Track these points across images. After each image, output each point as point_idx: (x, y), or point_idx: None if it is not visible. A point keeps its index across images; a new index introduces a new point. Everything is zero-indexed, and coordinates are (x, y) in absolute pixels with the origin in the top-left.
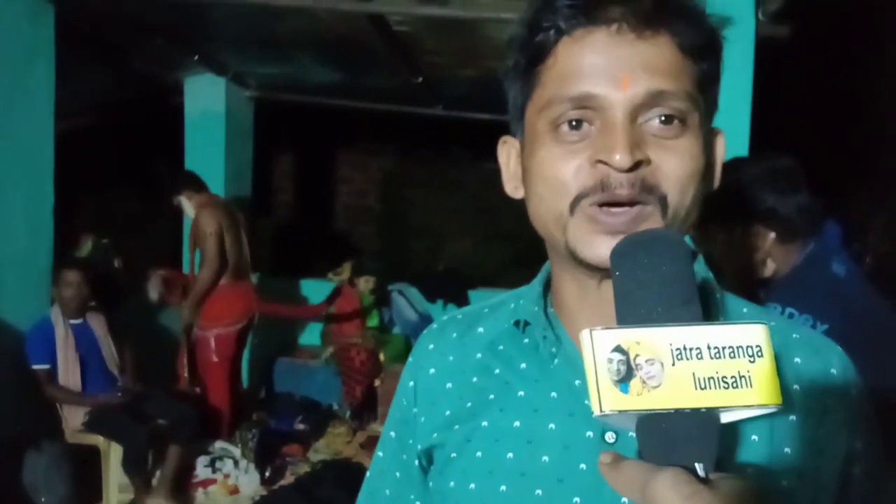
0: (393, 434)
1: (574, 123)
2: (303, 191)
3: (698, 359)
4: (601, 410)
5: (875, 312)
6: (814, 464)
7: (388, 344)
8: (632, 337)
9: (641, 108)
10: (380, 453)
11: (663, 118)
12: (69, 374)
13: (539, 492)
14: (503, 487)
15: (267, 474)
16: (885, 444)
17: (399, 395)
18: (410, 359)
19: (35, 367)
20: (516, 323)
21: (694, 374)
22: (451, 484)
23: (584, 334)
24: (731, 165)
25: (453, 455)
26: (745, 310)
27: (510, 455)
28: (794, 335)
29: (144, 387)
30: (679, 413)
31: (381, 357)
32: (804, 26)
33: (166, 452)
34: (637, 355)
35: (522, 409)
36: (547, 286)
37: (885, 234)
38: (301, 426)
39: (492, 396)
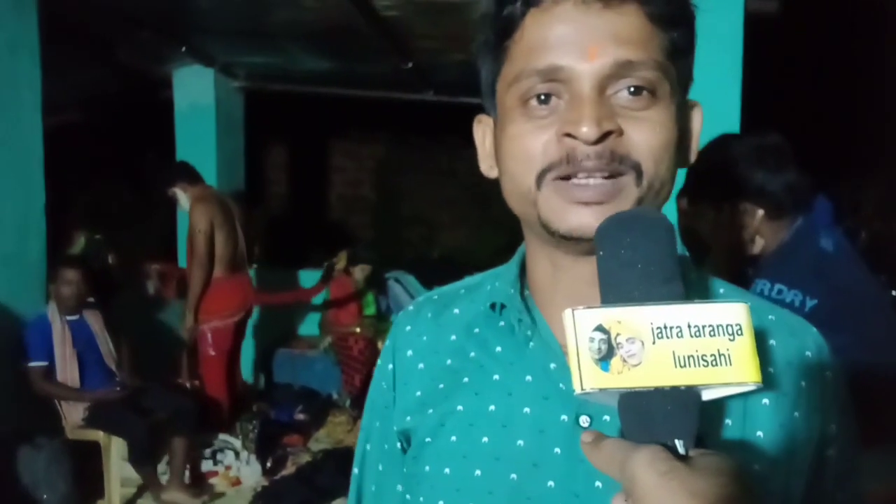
0: (377, 424)
1: (542, 97)
2: (296, 181)
3: (678, 337)
4: (582, 388)
5: (863, 288)
6: (787, 447)
7: (386, 332)
8: (613, 316)
9: (609, 79)
10: (367, 446)
11: (632, 89)
12: (67, 370)
13: (514, 476)
14: (478, 472)
15: (268, 465)
16: (870, 419)
17: (377, 379)
18: (388, 342)
19: (32, 363)
20: (492, 306)
21: (674, 352)
22: (427, 468)
23: (567, 314)
24: (720, 142)
25: (428, 439)
26: (721, 290)
27: (485, 439)
28: (769, 316)
29: (142, 381)
30: (659, 391)
31: (379, 345)
32: (793, 1)
33: (168, 445)
34: (618, 334)
35: (497, 393)
36: (523, 268)
37: (878, 210)
38: (301, 416)
39: (466, 379)
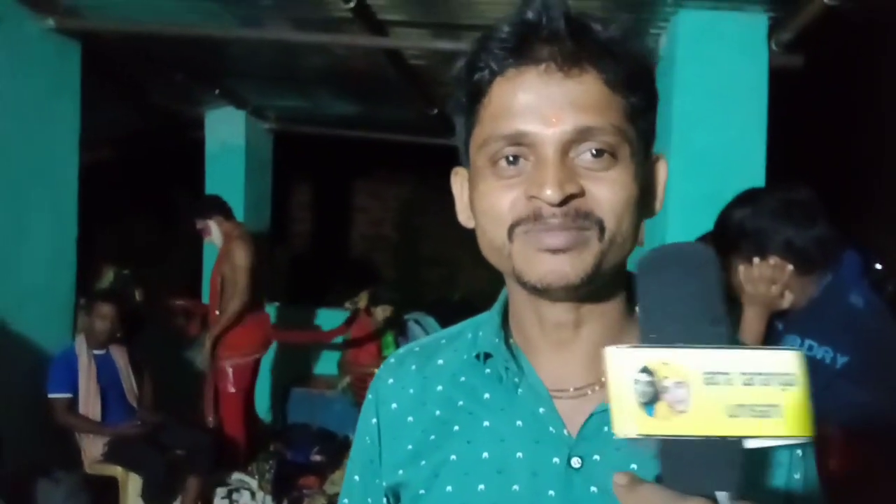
0: (357, 478)
1: (511, 159)
2: (319, 220)
3: (729, 384)
4: (626, 434)
5: (894, 343)
6: (759, 471)
7: None
8: (659, 357)
9: (571, 144)
10: (345, 501)
11: (594, 152)
12: (90, 403)
13: None
14: None
15: None
16: None
17: (361, 434)
18: (370, 395)
19: (55, 395)
20: (478, 356)
21: (724, 400)
22: None
23: (608, 352)
24: (749, 196)
25: (422, 491)
26: None
27: (481, 487)
28: None
29: (162, 417)
30: (706, 439)
31: None
32: (818, 56)
33: (184, 483)
34: (665, 377)
35: (489, 440)
36: (505, 315)
37: None
38: (317, 457)
39: (457, 428)
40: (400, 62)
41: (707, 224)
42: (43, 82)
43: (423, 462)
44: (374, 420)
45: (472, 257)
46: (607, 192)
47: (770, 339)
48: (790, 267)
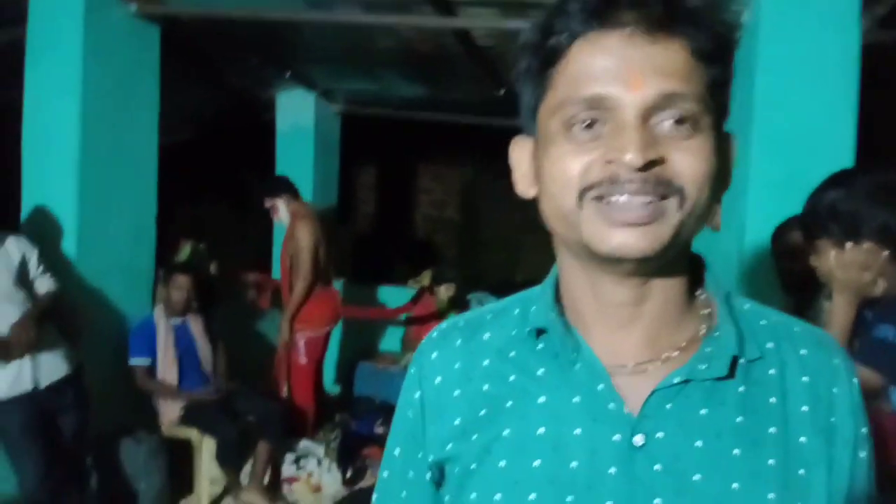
0: (398, 451)
1: (586, 123)
2: (383, 201)
3: None
4: None
5: None
6: (827, 450)
7: None
8: None
9: (654, 110)
10: (384, 473)
11: (676, 120)
12: (167, 370)
13: (570, 498)
14: (532, 496)
15: (348, 474)
16: None
17: (402, 408)
18: (412, 369)
19: (136, 362)
20: (531, 332)
21: None
22: (473, 496)
23: None
24: (841, 177)
25: (473, 466)
26: (746, 306)
27: (536, 463)
28: (795, 328)
29: (234, 385)
30: None
31: None
32: None
33: (255, 448)
34: None
35: (545, 416)
36: (556, 290)
37: None
38: (381, 429)
39: (509, 403)
40: (468, 43)
41: (789, 208)
42: (125, 66)
43: (475, 437)
44: (418, 394)
45: (534, 241)
46: (689, 161)
47: (859, 328)
48: (885, 253)
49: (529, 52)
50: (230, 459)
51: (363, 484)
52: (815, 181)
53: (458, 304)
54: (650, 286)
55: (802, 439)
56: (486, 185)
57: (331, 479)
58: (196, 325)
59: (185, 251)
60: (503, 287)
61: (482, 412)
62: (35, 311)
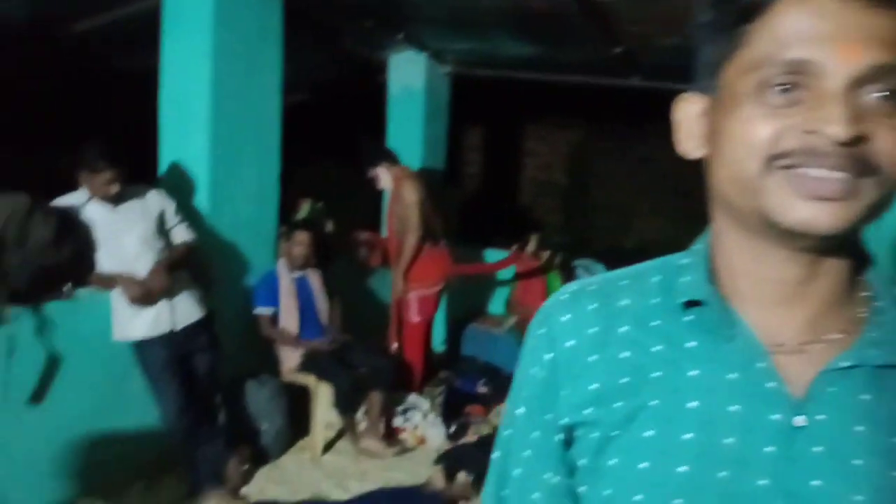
0: (521, 411)
1: (783, 87)
2: (489, 163)
3: None
4: None
5: None
6: None
7: None
8: None
9: (862, 82)
10: (506, 432)
11: (885, 94)
12: (289, 319)
13: (724, 474)
14: (682, 468)
15: (452, 430)
16: None
17: (528, 368)
18: (541, 330)
19: (260, 311)
20: (687, 303)
21: None
22: (613, 462)
23: None
24: None
25: (615, 433)
26: None
27: (688, 436)
28: None
29: (349, 338)
30: None
31: None
32: None
33: (368, 397)
34: None
35: (697, 390)
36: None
37: None
38: (483, 389)
39: (657, 374)
40: (585, 0)
41: None
42: (252, 32)
43: (618, 404)
44: (550, 355)
45: (648, 205)
46: (894, 141)
47: None
48: None
49: (719, 4)
50: (345, 406)
51: (465, 440)
52: None
53: (564, 269)
54: (820, 264)
55: None
56: (594, 147)
57: (435, 433)
58: (315, 280)
59: (304, 209)
60: (611, 254)
61: (623, 380)
62: (168, 260)
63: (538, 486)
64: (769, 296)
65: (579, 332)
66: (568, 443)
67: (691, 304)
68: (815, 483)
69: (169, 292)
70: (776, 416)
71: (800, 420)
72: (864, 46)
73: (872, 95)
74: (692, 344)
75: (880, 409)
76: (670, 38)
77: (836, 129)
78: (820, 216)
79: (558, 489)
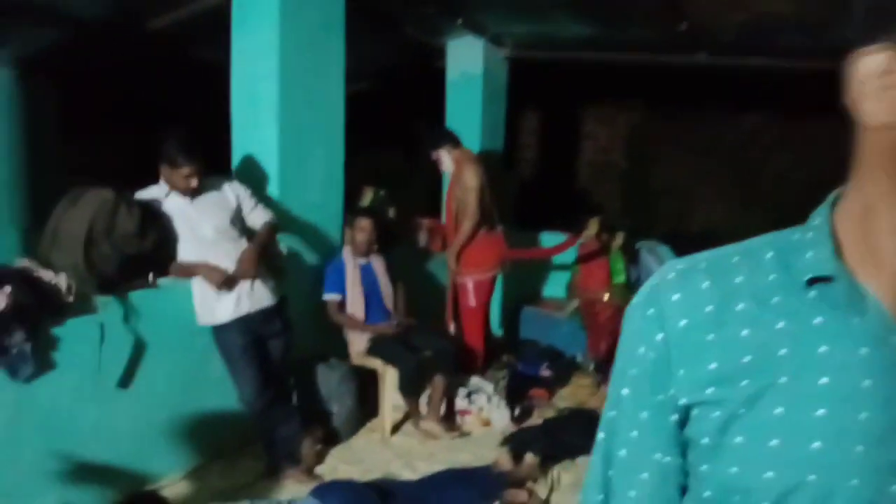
0: (626, 392)
1: None
2: (548, 147)
3: None
4: None
5: None
6: None
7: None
8: None
9: None
10: (611, 413)
11: None
12: (355, 304)
13: (859, 448)
14: (817, 444)
15: (516, 413)
16: None
17: (634, 349)
18: (649, 310)
19: (329, 296)
20: (812, 280)
21: None
22: (738, 439)
23: None
24: None
25: (742, 411)
26: None
27: (821, 412)
28: None
29: (413, 322)
30: None
31: None
32: None
33: (432, 380)
34: None
35: (828, 366)
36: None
37: None
38: (546, 372)
39: (783, 351)
40: None
41: None
42: (315, 24)
43: (744, 383)
44: (661, 335)
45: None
46: None
47: None
48: None
49: None
50: (410, 389)
51: (530, 422)
52: None
53: (627, 252)
54: None
55: None
56: (654, 129)
57: (499, 416)
58: (379, 265)
59: (367, 197)
60: (675, 237)
61: (746, 358)
62: (257, 244)
63: (647, 466)
64: None
65: (693, 311)
66: (682, 423)
67: (815, 280)
68: None
69: (256, 275)
70: None
71: None
72: None
73: None
74: (819, 320)
75: None
76: (738, 14)
77: None
78: None
79: (668, 469)
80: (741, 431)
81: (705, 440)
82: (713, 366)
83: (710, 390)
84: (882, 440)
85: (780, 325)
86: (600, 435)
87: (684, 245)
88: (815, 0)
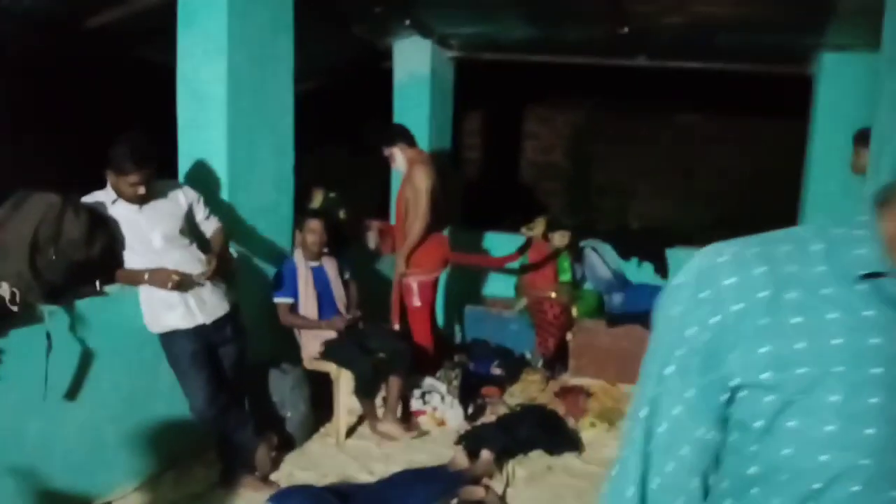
0: (671, 370)
1: None
2: (490, 147)
3: None
4: None
5: None
6: None
7: (581, 299)
8: None
9: None
10: (651, 392)
11: None
12: (308, 307)
13: None
14: (870, 430)
15: (470, 411)
16: None
17: (683, 329)
18: (703, 293)
19: (280, 299)
20: (867, 275)
21: None
22: (792, 423)
23: None
24: None
25: (796, 397)
26: None
27: (875, 400)
28: None
29: (367, 324)
30: None
31: (574, 312)
32: None
33: (387, 382)
34: None
35: (880, 356)
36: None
37: None
38: (497, 371)
39: (838, 341)
40: None
41: None
42: (264, 23)
43: (802, 370)
44: (716, 318)
45: (649, 185)
46: None
47: None
48: None
49: None
50: (365, 392)
51: (483, 420)
52: None
53: (572, 250)
54: None
55: None
56: (595, 128)
57: (454, 415)
58: (330, 267)
59: (318, 198)
60: (618, 234)
61: (800, 345)
62: (215, 249)
63: (688, 440)
64: None
65: (748, 296)
66: (728, 402)
67: (867, 275)
68: None
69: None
70: None
71: None
72: None
73: None
74: (870, 313)
75: None
76: (676, 17)
77: None
78: None
79: (710, 445)
80: (796, 416)
81: (759, 423)
82: (765, 349)
83: (765, 375)
84: None
85: (833, 315)
86: (643, 411)
87: (629, 240)
88: (751, 3)
